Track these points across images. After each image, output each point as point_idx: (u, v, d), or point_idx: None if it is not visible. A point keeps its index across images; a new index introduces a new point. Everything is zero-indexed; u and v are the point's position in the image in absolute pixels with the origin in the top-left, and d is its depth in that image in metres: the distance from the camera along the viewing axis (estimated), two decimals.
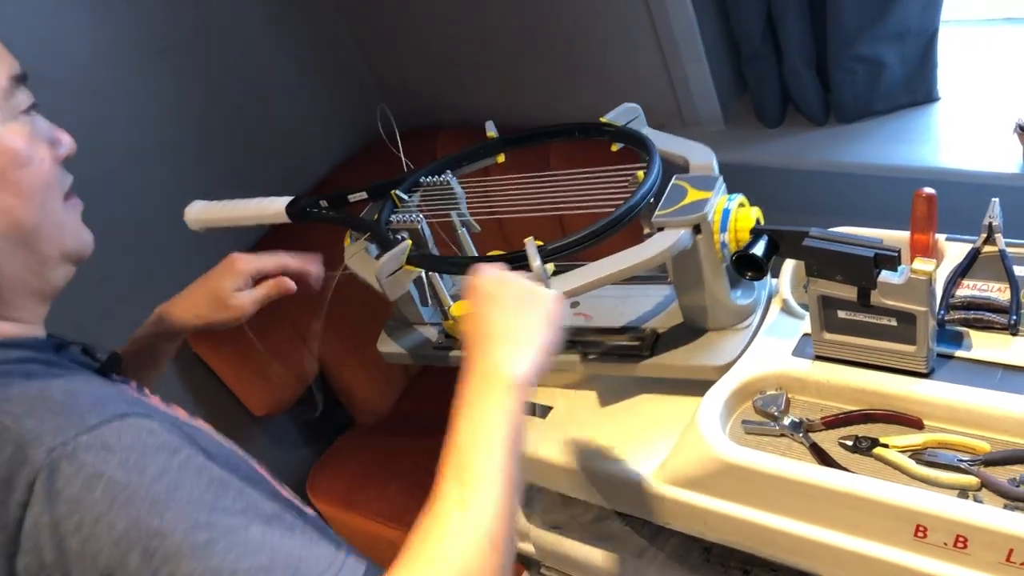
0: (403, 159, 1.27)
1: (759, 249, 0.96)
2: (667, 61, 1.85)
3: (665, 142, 1.16)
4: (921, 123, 1.70)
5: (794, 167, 1.79)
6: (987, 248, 1.02)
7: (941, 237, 1.07)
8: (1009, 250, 1.01)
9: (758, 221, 1.02)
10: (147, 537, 0.57)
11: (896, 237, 1.07)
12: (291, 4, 2.19)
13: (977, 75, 1.74)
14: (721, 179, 1.04)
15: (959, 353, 0.96)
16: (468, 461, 0.68)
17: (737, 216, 1.01)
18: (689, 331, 1.12)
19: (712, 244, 1.02)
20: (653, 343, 1.12)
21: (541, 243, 0.98)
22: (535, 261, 0.95)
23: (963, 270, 1.01)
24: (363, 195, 1.22)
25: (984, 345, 0.96)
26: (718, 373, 1.06)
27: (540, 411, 1.20)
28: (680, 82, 1.87)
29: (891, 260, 0.88)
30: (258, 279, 1.09)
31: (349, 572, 0.62)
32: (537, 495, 1.33)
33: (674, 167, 1.11)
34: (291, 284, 1.09)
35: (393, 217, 1.17)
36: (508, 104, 2.17)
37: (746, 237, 1.01)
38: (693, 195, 1.03)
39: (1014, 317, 0.94)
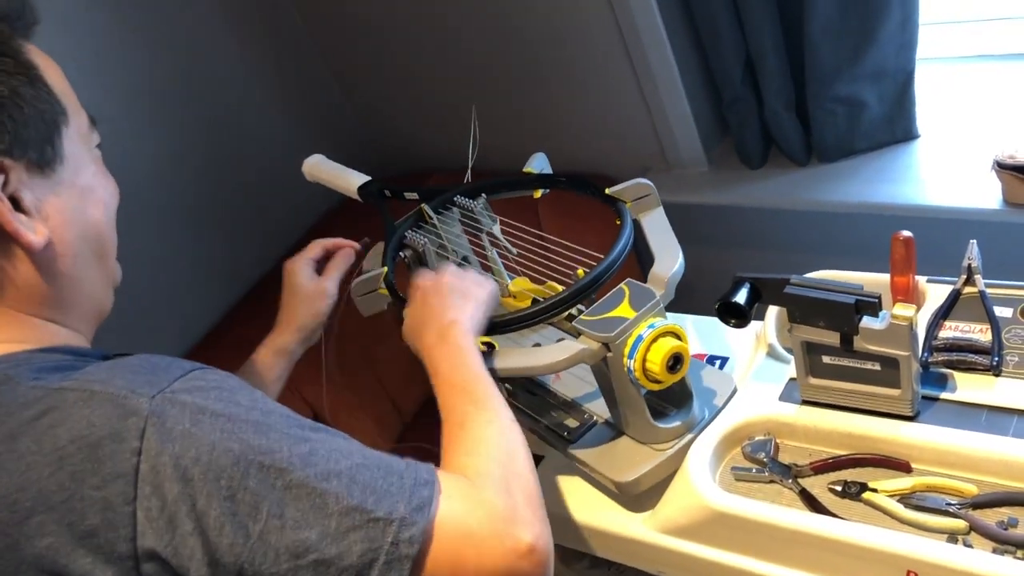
0: (469, 171, 1.29)
1: (741, 297, 0.97)
2: (649, 106, 1.88)
3: (652, 231, 1.12)
4: (902, 161, 1.72)
5: (778, 207, 1.81)
6: (967, 289, 1.03)
7: (922, 279, 1.08)
8: (989, 291, 1.02)
9: (737, 283, 0.98)
10: (260, 454, 0.63)
11: (877, 280, 1.08)
12: (282, 58, 2.22)
13: (955, 112, 1.77)
14: (657, 300, 0.99)
15: (944, 395, 0.96)
16: (467, 386, 0.86)
17: (649, 347, 0.96)
18: (614, 430, 1.08)
19: (621, 367, 0.98)
20: (584, 431, 1.09)
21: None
22: None
23: (944, 312, 1.02)
24: (416, 196, 1.26)
25: (968, 387, 0.96)
26: (615, 487, 1.03)
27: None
28: (663, 126, 1.90)
29: (872, 306, 0.89)
30: (319, 269, 1.19)
31: (419, 467, 0.71)
32: None
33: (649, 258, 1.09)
34: (351, 249, 1.21)
35: (408, 233, 1.19)
36: (496, 148, 2.19)
37: (655, 370, 0.96)
38: (623, 309, 0.99)
39: (996, 358, 0.95)
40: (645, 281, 1.04)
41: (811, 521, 0.89)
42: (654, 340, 0.96)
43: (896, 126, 1.74)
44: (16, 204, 0.70)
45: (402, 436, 2.25)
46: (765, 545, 0.93)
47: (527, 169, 1.26)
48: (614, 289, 1.03)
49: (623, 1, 1.71)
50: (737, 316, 0.98)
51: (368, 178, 1.31)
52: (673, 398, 1.06)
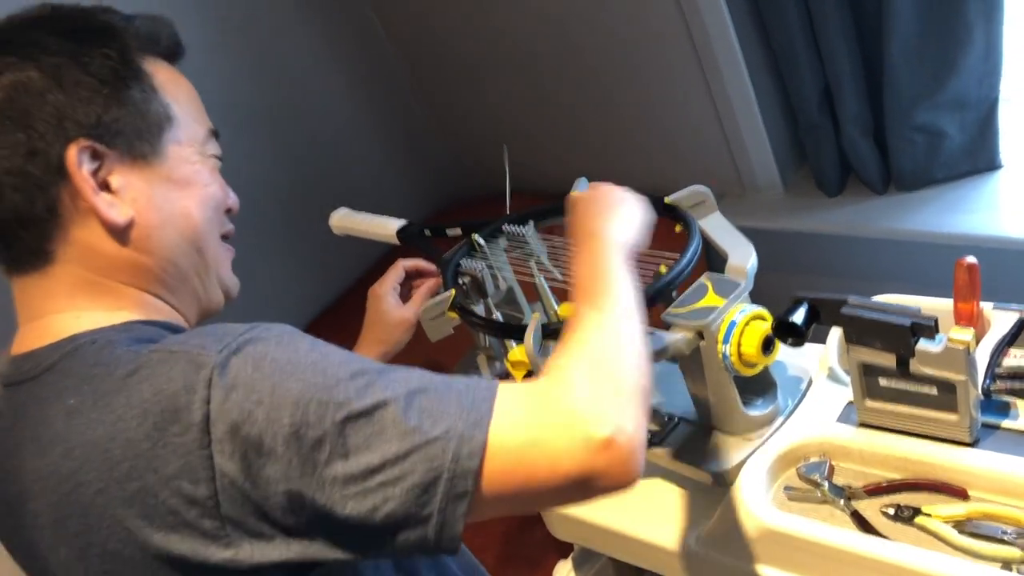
0: (507, 203, 1.33)
1: (798, 317, 0.97)
2: (726, 131, 1.88)
3: (717, 231, 1.15)
4: (983, 191, 1.68)
5: (855, 235, 1.79)
6: None
7: (988, 306, 1.06)
8: None
9: (796, 303, 0.98)
10: (319, 391, 0.67)
11: (941, 306, 1.07)
12: (373, 86, 2.31)
13: None
14: (743, 287, 1.03)
15: (1005, 423, 0.95)
16: (591, 289, 0.83)
17: (743, 330, 1.00)
18: (700, 427, 1.10)
19: (715, 354, 1.01)
20: (667, 433, 1.11)
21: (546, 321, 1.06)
22: (530, 338, 1.00)
23: (1010, 339, 1.01)
24: (458, 231, 1.30)
25: None
26: (711, 479, 1.05)
27: None
28: (739, 151, 1.90)
29: (928, 329, 0.89)
30: (404, 292, 1.27)
31: (480, 383, 0.71)
32: (588, 560, 1.34)
33: (720, 258, 1.11)
34: (435, 283, 1.26)
35: (463, 261, 1.23)
36: (573, 170, 2.22)
37: (751, 352, 0.99)
38: (710, 298, 1.02)
39: None
40: None
41: (864, 542, 0.89)
42: (747, 324, 1.00)
43: (978, 156, 1.70)
44: (106, 186, 0.78)
45: None
46: (817, 565, 0.93)
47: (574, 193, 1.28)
48: (694, 283, 1.06)
49: (700, 25, 1.73)
50: (794, 335, 0.98)
51: (404, 221, 1.36)
52: (758, 387, 1.09)
